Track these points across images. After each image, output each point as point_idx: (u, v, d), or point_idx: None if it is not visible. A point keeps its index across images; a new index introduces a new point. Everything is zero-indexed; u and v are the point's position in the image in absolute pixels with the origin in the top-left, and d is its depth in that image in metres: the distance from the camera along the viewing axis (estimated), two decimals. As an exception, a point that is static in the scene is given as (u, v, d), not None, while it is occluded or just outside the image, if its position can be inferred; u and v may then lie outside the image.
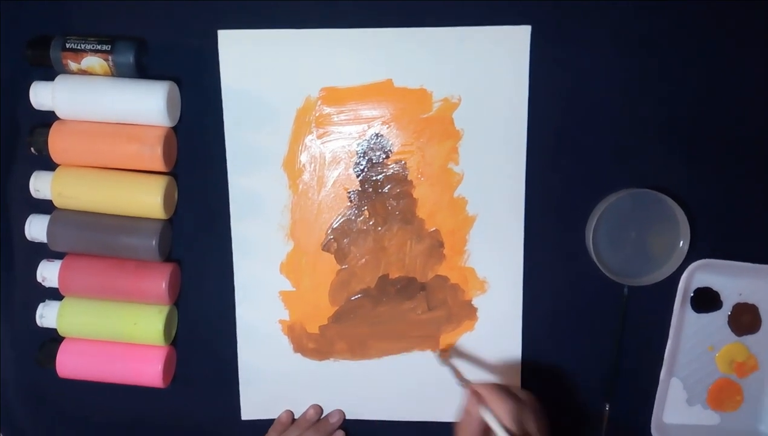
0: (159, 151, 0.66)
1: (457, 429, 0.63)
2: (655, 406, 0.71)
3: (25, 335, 0.73)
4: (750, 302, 0.70)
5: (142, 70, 0.68)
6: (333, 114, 0.69)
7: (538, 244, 0.70)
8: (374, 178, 0.70)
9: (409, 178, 0.70)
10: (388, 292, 0.72)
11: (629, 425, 0.72)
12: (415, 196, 0.70)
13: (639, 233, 0.68)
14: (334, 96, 0.69)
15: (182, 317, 0.73)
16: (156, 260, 0.69)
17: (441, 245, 0.71)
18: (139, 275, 0.69)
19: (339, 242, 0.71)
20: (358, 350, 0.73)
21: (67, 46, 0.66)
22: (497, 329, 0.71)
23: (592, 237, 0.67)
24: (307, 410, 0.73)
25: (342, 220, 0.71)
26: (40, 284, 0.70)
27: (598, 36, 0.67)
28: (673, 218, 0.67)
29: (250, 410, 0.74)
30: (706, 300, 0.70)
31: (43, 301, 0.71)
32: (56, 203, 0.69)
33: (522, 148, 0.69)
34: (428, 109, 0.69)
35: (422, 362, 0.72)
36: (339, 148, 0.70)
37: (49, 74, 0.68)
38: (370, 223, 0.71)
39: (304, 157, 0.70)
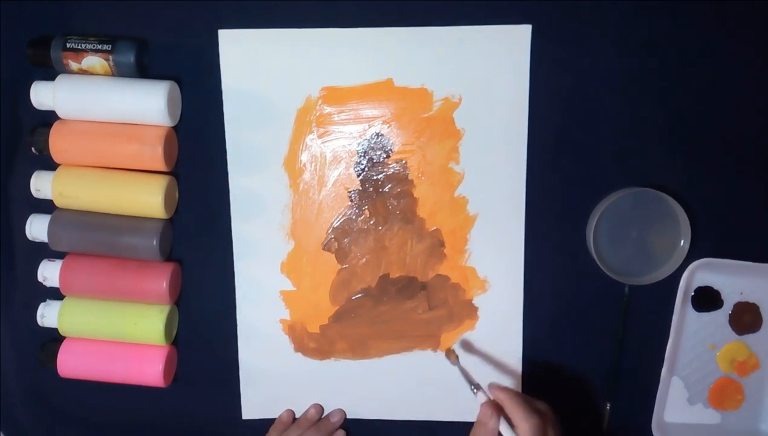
0: (160, 150, 0.66)
1: None
2: (656, 405, 0.71)
3: (25, 334, 0.73)
4: (751, 300, 0.70)
5: (143, 70, 0.68)
6: (333, 113, 0.69)
7: (539, 243, 0.70)
8: (375, 177, 0.70)
9: (409, 177, 0.70)
10: (389, 291, 0.72)
11: (630, 424, 0.72)
12: (415, 195, 0.70)
13: (640, 232, 0.68)
14: (335, 95, 0.69)
15: (183, 316, 0.73)
16: (157, 259, 0.69)
17: (442, 244, 0.71)
18: (139, 275, 0.69)
19: (340, 241, 0.71)
20: (359, 349, 0.73)
21: (68, 45, 0.66)
22: (498, 329, 0.71)
23: (593, 236, 0.67)
24: (308, 409, 0.73)
25: (343, 219, 0.71)
26: (41, 283, 0.70)
27: (598, 36, 0.67)
28: (673, 217, 0.67)
29: (250, 409, 0.74)
30: (707, 299, 0.70)
31: (44, 301, 0.71)
32: (57, 203, 0.69)
33: (522, 147, 0.69)
34: (429, 109, 0.69)
35: (423, 361, 0.72)
36: (339, 147, 0.70)
37: (49, 74, 0.68)
38: (371, 222, 0.71)
39: (304, 157, 0.70)
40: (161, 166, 0.67)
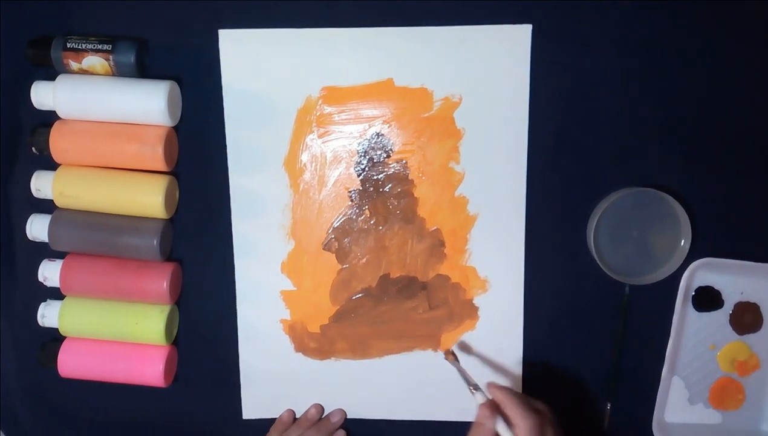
0: (160, 150, 0.66)
1: None
2: (656, 405, 0.71)
3: (26, 334, 0.74)
4: (751, 300, 0.70)
5: (143, 70, 0.68)
6: (334, 113, 0.69)
7: (539, 243, 0.70)
8: (375, 177, 0.70)
9: (410, 177, 0.70)
10: (389, 291, 0.72)
11: (631, 424, 0.72)
12: (416, 195, 0.70)
13: (640, 232, 0.68)
14: (335, 95, 0.69)
15: (183, 316, 0.73)
16: (157, 259, 0.69)
17: (442, 244, 0.71)
18: (140, 275, 0.69)
19: (340, 241, 0.71)
20: (359, 349, 0.73)
21: (68, 45, 0.66)
22: (498, 328, 0.71)
23: (593, 236, 0.67)
24: (309, 409, 0.73)
25: (343, 219, 0.71)
26: (41, 283, 0.70)
27: (598, 36, 0.67)
28: (674, 217, 0.67)
29: (251, 409, 0.74)
30: (707, 299, 0.70)
31: (45, 300, 0.71)
32: (57, 203, 0.69)
33: (523, 147, 0.69)
34: (429, 109, 0.69)
35: (423, 361, 0.72)
36: (340, 147, 0.70)
37: (50, 74, 0.68)
38: (371, 222, 0.71)
39: (305, 157, 0.70)
40: (161, 166, 0.67)
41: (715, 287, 0.70)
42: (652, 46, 0.67)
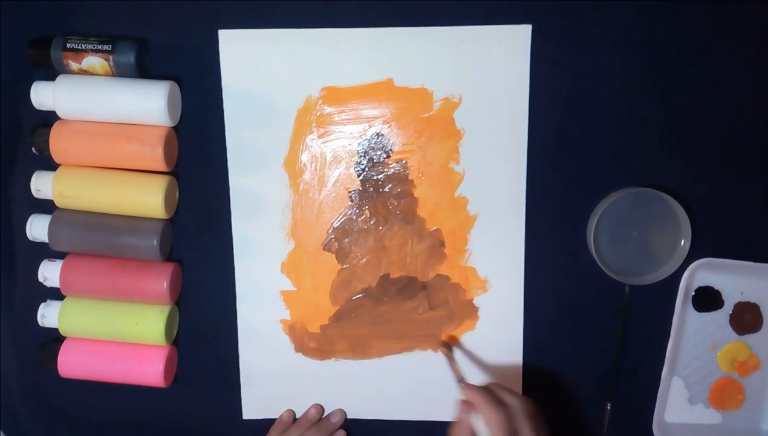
0: (160, 150, 0.66)
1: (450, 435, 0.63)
2: (656, 405, 0.71)
3: (26, 334, 0.74)
4: (751, 300, 0.70)
5: (143, 70, 0.68)
6: (334, 113, 0.69)
7: (539, 243, 0.70)
8: (375, 177, 0.70)
9: (410, 177, 0.70)
10: (389, 291, 0.72)
11: (631, 424, 0.72)
12: (416, 195, 0.70)
13: (640, 232, 0.68)
14: (335, 95, 0.69)
15: (183, 316, 0.73)
16: (157, 259, 0.69)
17: (442, 244, 0.71)
18: (140, 275, 0.69)
19: (340, 241, 0.71)
20: (359, 349, 0.73)
21: (68, 46, 0.66)
22: (498, 329, 0.71)
23: (593, 236, 0.67)
24: (309, 409, 0.73)
25: (343, 219, 0.71)
26: (41, 283, 0.70)
27: (598, 36, 0.67)
28: (674, 217, 0.67)
29: (251, 409, 0.74)
30: (707, 299, 0.70)
31: (45, 301, 0.71)
32: (57, 203, 0.69)
33: (523, 147, 0.69)
34: (429, 109, 0.69)
35: (423, 361, 0.72)
36: (340, 147, 0.70)
37: (50, 74, 0.68)
38: (371, 222, 0.71)
39: (304, 157, 0.70)
40: (161, 166, 0.67)
41: (715, 287, 0.70)
42: (652, 46, 0.67)
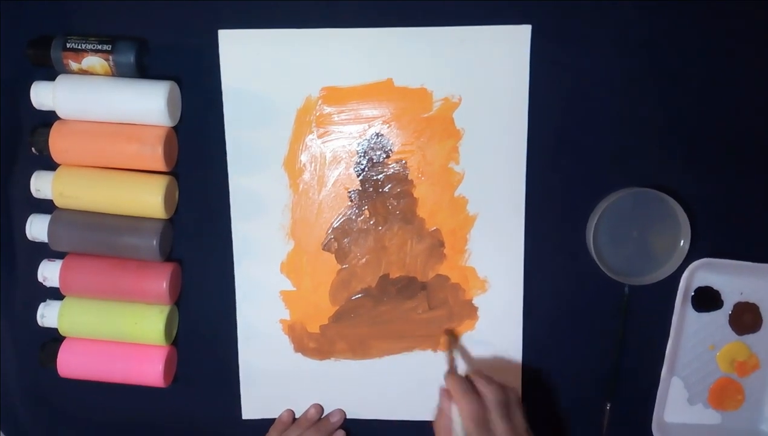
0: (160, 150, 0.66)
1: (434, 426, 0.64)
2: (656, 405, 0.71)
3: (26, 334, 0.74)
4: (751, 301, 0.70)
5: (143, 70, 0.68)
6: (333, 113, 0.69)
7: (539, 243, 0.70)
8: (375, 177, 0.70)
9: (409, 177, 0.70)
10: (389, 291, 0.72)
11: (630, 424, 0.72)
12: (415, 195, 0.70)
13: (640, 232, 0.68)
14: (335, 95, 0.69)
15: (183, 316, 0.73)
16: (157, 259, 0.69)
17: (441, 244, 0.71)
18: (140, 275, 0.69)
19: (339, 241, 0.71)
20: (359, 349, 0.73)
21: (68, 46, 0.66)
22: (498, 328, 0.71)
23: (593, 236, 0.67)
24: (308, 409, 0.73)
25: (342, 219, 0.71)
26: (41, 283, 0.70)
27: (598, 36, 0.67)
28: (673, 217, 0.67)
29: (250, 409, 0.74)
30: (706, 299, 0.70)
31: (44, 301, 0.71)
32: (57, 203, 0.69)
33: (522, 147, 0.69)
34: (429, 109, 0.69)
35: (423, 361, 0.72)
36: (339, 147, 0.70)
37: (50, 74, 0.68)
38: (371, 222, 0.71)
39: (304, 157, 0.70)
40: (161, 166, 0.67)
41: (715, 288, 0.70)
42: (652, 46, 0.67)
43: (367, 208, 0.71)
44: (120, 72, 0.67)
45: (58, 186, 0.68)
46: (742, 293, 0.70)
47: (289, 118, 0.69)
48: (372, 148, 0.70)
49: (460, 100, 0.68)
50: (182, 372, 0.74)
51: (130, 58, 0.66)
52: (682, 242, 0.67)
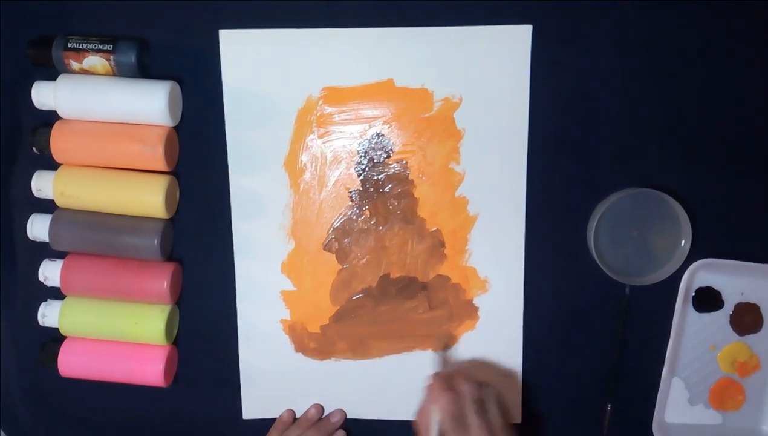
0: (161, 150, 0.66)
1: (415, 424, 0.65)
2: (656, 405, 0.71)
3: (26, 334, 0.74)
4: (752, 301, 0.70)
5: (144, 70, 0.68)
6: (334, 114, 0.69)
7: (539, 243, 0.70)
8: (375, 177, 0.70)
9: (410, 177, 0.70)
10: (389, 291, 0.72)
11: (631, 424, 0.72)
12: (416, 195, 0.70)
13: (640, 232, 0.68)
14: (336, 96, 0.69)
15: (184, 316, 0.73)
16: (158, 259, 0.69)
17: (442, 244, 0.71)
18: (140, 275, 0.69)
19: (340, 241, 0.71)
20: (359, 349, 0.73)
21: (69, 45, 0.66)
22: (498, 329, 0.71)
23: (594, 236, 0.67)
24: (309, 409, 0.73)
25: (343, 219, 0.71)
26: (41, 283, 0.70)
27: (599, 36, 0.67)
28: (674, 218, 0.67)
29: (251, 409, 0.74)
30: (707, 300, 0.70)
31: (45, 300, 0.71)
32: (58, 203, 0.69)
33: (523, 147, 0.69)
34: (429, 109, 0.69)
35: (423, 361, 0.72)
36: (340, 147, 0.70)
37: (51, 74, 0.68)
38: (372, 222, 0.71)
39: (305, 157, 0.70)
40: (162, 166, 0.67)
41: (716, 288, 0.70)
42: (652, 46, 0.67)
43: (368, 209, 0.71)
44: (121, 72, 0.67)
45: (59, 186, 0.68)
46: (743, 294, 0.70)
47: (290, 118, 0.70)
48: (373, 148, 0.70)
49: (460, 100, 0.69)
50: (183, 372, 0.74)
51: (131, 57, 0.66)
52: (682, 242, 0.67)
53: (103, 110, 0.67)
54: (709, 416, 0.72)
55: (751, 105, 0.67)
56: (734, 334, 0.71)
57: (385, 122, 0.69)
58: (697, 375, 0.71)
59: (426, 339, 0.72)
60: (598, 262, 0.67)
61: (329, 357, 0.73)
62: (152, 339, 0.70)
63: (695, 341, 0.71)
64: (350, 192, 0.71)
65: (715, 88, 0.67)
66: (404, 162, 0.70)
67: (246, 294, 0.72)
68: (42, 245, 0.70)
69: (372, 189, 0.71)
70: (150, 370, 0.70)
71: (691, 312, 0.70)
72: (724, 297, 0.70)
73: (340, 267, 0.72)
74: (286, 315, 0.73)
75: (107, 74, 0.67)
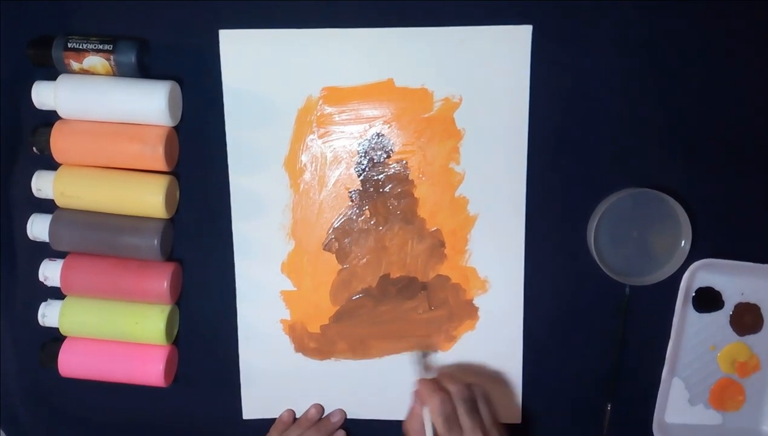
0: (161, 150, 0.66)
1: (404, 428, 0.65)
2: (656, 406, 0.71)
3: (26, 334, 0.74)
4: (752, 301, 0.70)
5: (144, 70, 0.68)
6: (334, 114, 0.69)
7: (539, 243, 0.70)
8: (375, 177, 0.70)
9: (410, 177, 0.70)
10: (389, 291, 0.72)
11: (631, 424, 0.72)
12: (416, 195, 0.70)
13: (640, 232, 0.68)
14: (336, 96, 0.69)
15: (184, 316, 0.73)
16: (158, 259, 0.69)
17: (442, 244, 0.71)
18: (140, 275, 0.69)
19: (340, 241, 0.71)
20: (359, 349, 0.73)
21: (69, 45, 0.66)
22: (498, 329, 0.71)
23: (594, 236, 0.67)
24: (309, 409, 0.73)
25: (343, 219, 0.71)
26: (42, 283, 0.70)
27: (599, 36, 0.67)
28: (674, 218, 0.67)
29: (251, 409, 0.74)
30: (707, 300, 0.70)
31: (45, 300, 0.71)
32: (58, 203, 0.69)
33: (523, 147, 0.69)
34: (429, 109, 0.69)
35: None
36: (340, 147, 0.70)
37: (51, 74, 0.68)
38: (372, 222, 0.71)
39: (305, 157, 0.70)
40: (162, 166, 0.67)
41: (716, 288, 0.70)
42: (652, 46, 0.67)
43: (368, 209, 0.71)
44: (121, 72, 0.67)
45: (59, 186, 0.68)
46: (743, 294, 0.70)
47: (290, 118, 0.70)
48: (373, 148, 0.70)
49: (460, 100, 0.69)
50: (183, 372, 0.74)
51: (131, 57, 0.66)
52: (682, 242, 0.67)
53: (103, 110, 0.67)
54: (709, 417, 0.72)
55: (751, 105, 0.67)
56: (734, 334, 0.71)
57: (385, 122, 0.69)
58: (697, 375, 0.71)
59: (426, 339, 0.72)
60: (598, 262, 0.67)
61: (329, 357, 0.73)
62: (152, 339, 0.70)
63: (695, 341, 0.71)
64: (350, 192, 0.71)
65: (715, 88, 0.67)
66: (404, 162, 0.70)
67: (246, 294, 0.72)
68: (42, 245, 0.70)
69: (372, 189, 0.71)
70: (150, 370, 0.70)
71: (691, 312, 0.70)
72: (724, 297, 0.70)
73: (340, 267, 0.72)
74: (286, 315, 0.73)
75: (107, 74, 0.67)
